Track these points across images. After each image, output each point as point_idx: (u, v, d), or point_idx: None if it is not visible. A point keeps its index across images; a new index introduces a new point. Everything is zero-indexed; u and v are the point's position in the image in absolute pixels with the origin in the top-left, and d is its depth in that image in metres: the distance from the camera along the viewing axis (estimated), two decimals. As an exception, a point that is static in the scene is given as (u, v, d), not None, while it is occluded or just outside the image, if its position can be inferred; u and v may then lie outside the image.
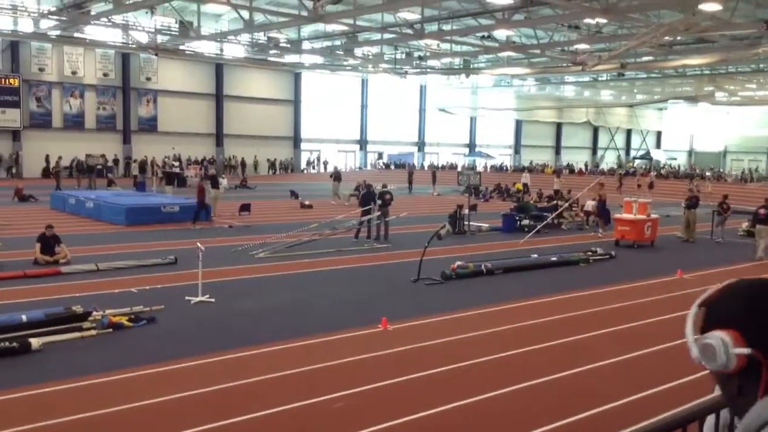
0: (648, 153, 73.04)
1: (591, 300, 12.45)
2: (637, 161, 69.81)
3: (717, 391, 1.54)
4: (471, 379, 7.94)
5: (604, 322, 10.68)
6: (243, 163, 50.53)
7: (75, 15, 31.74)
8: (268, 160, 53.23)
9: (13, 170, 41.28)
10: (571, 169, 57.55)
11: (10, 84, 40.61)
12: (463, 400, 7.16)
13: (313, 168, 56.30)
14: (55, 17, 32.37)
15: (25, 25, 37.02)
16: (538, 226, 21.54)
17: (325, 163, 56.82)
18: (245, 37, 38.08)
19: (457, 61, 45.73)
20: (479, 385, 7.63)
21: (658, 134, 78.81)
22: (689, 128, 75.55)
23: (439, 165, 57.71)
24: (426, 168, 54.97)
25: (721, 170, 63.35)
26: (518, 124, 68.47)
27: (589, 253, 17.18)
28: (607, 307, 11.85)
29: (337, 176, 32.87)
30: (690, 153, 78.30)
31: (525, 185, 37.88)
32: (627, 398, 7.32)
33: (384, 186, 21.28)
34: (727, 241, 21.26)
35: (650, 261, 17.58)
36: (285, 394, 7.23)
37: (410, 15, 30.75)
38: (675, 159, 72.13)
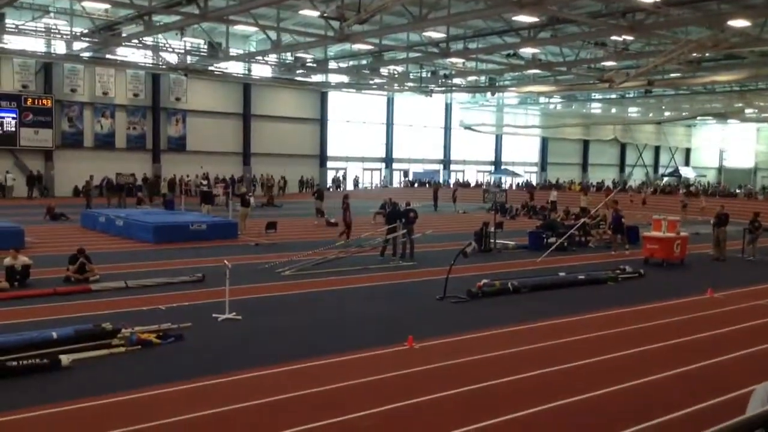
0: (677, 170, 72.06)
1: (619, 319, 12.28)
2: (666, 178, 68.95)
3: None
4: (498, 399, 7.88)
5: (633, 342, 10.50)
6: (284, 182, 50.43)
7: (107, 37, 32.43)
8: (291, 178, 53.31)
9: (37, 190, 41.68)
10: (599, 186, 57.05)
11: (44, 104, 41.50)
12: (491, 419, 7.10)
13: (339, 187, 56.16)
14: (87, 39, 33.05)
15: (59, 47, 37.90)
16: (558, 242, 21.39)
17: (356, 181, 57.10)
18: (273, 58, 38.54)
19: (482, 79, 45.82)
20: (506, 405, 7.56)
21: (687, 151, 77.90)
22: (719, 145, 74.60)
23: (461, 181, 57.74)
24: (451, 186, 54.91)
25: (751, 187, 62.28)
26: (544, 141, 68.19)
27: (618, 271, 16.99)
28: (634, 327, 11.67)
29: (319, 194, 31.46)
30: (720, 170, 77.20)
31: (553, 202, 37.70)
32: (652, 420, 7.20)
33: (408, 204, 21.26)
34: (758, 259, 20.89)
35: (680, 280, 17.34)
36: (311, 412, 7.22)
37: (436, 34, 30.90)
38: (705, 176, 71.10)
